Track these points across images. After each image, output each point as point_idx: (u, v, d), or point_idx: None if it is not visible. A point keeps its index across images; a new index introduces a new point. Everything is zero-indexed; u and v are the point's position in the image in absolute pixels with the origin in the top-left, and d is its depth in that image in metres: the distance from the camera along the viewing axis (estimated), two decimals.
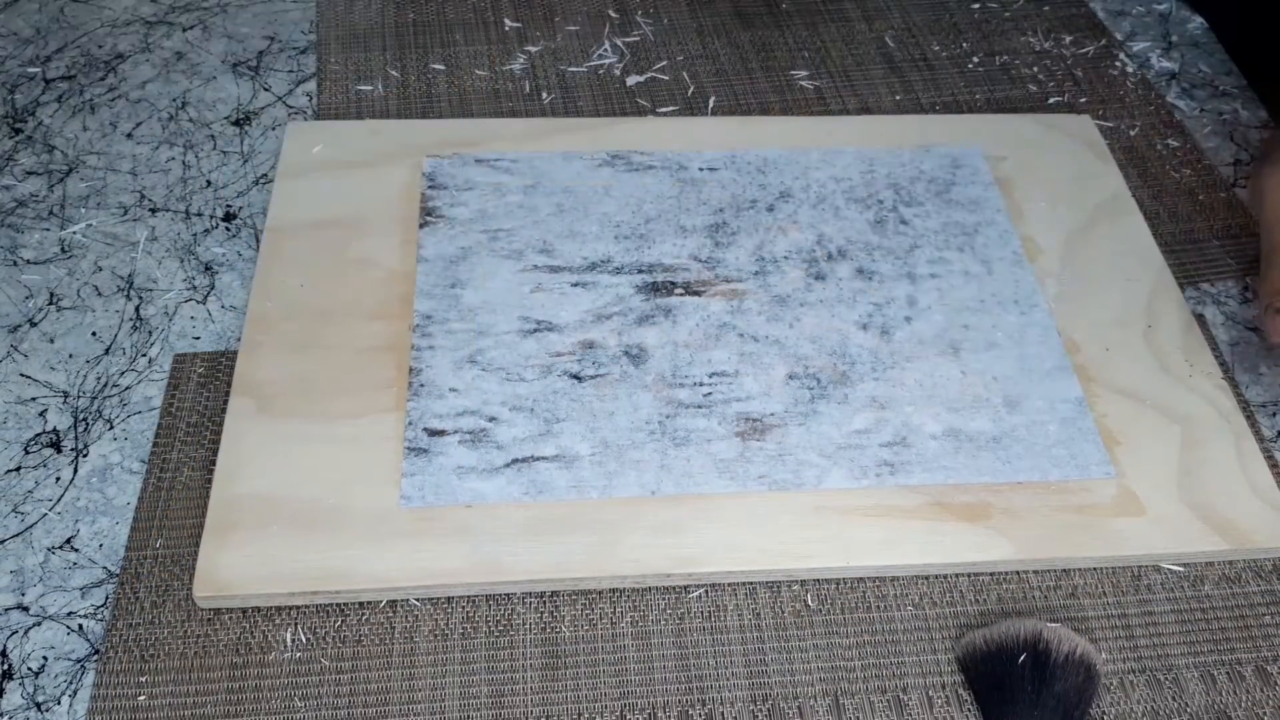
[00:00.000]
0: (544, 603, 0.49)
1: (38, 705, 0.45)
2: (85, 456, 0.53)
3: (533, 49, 0.75)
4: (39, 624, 0.47)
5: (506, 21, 0.77)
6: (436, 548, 0.48)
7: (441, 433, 0.52)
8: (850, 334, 0.57)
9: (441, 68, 0.73)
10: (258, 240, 0.62)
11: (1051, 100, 0.73)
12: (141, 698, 0.45)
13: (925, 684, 0.47)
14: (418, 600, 0.48)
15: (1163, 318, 0.59)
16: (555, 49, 0.75)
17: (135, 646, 0.46)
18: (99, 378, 0.56)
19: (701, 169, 0.65)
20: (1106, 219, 0.64)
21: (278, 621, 0.47)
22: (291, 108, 0.70)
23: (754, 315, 0.57)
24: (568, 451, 0.52)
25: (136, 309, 0.59)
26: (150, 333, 0.58)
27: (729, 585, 0.49)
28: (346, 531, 0.48)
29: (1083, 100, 0.73)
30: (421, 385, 0.54)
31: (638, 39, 0.76)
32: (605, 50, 0.75)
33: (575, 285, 0.58)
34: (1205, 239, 0.65)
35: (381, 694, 0.46)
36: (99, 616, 0.48)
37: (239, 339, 0.57)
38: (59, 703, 0.45)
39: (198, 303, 0.59)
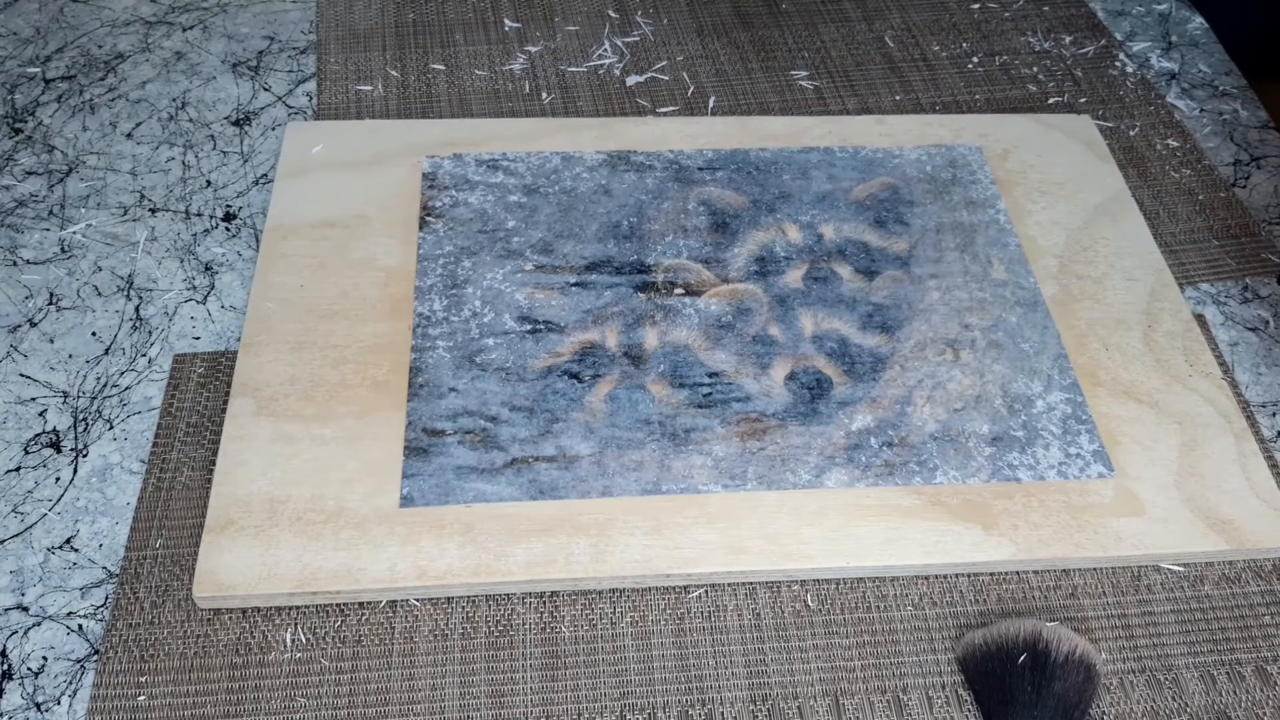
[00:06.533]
0: (544, 603, 0.49)
1: (38, 705, 0.45)
2: (85, 456, 0.53)
3: (533, 49, 0.75)
4: (39, 624, 0.47)
5: (506, 21, 0.77)
6: (436, 548, 0.48)
7: (441, 433, 0.52)
8: (850, 334, 0.57)
9: (441, 68, 0.73)
10: (258, 240, 0.62)
11: (1051, 100, 0.73)
12: (141, 698, 0.45)
13: (925, 684, 0.47)
14: (418, 600, 0.48)
15: (1163, 318, 0.59)
16: (555, 49, 0.75)
17: (135, 646, 0.46)
18: (99, 378, 0.56)
19: (701, 169, 0.65)
20: (1106, 219, 0.64)
21: (278, 621, 0.47)
22: (291, 108, 0.70)
23: (754, 315, 0.57)
24: (568, 451, 0.52)
25: (136, 309, 0.59)
26: (150, 333, 0.58)
27: (729, 585, 0.49)
28: (346, 531, 0.48)
29: (1083, 100, 0.73)
30: (421, 385, 0.54)
31: (638, 39, 0.76)
32: (605, 50, 0.75)
33: (575, 285, 0.58)
34: (1205, 239, 0.65)
35: (381, 694, 0.46)
36: (99, 616, 0.48)
37: (239, 339, 0.57)
38: (59, 703, 0.45)
39: (198, 303, 0.59)
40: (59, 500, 0.51)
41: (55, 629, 0.47)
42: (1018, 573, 0.50)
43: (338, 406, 0.53)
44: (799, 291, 0.59)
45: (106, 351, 0.57)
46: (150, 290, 0.60)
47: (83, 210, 0.63)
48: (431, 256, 0.59)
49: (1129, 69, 0.75)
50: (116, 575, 0.49)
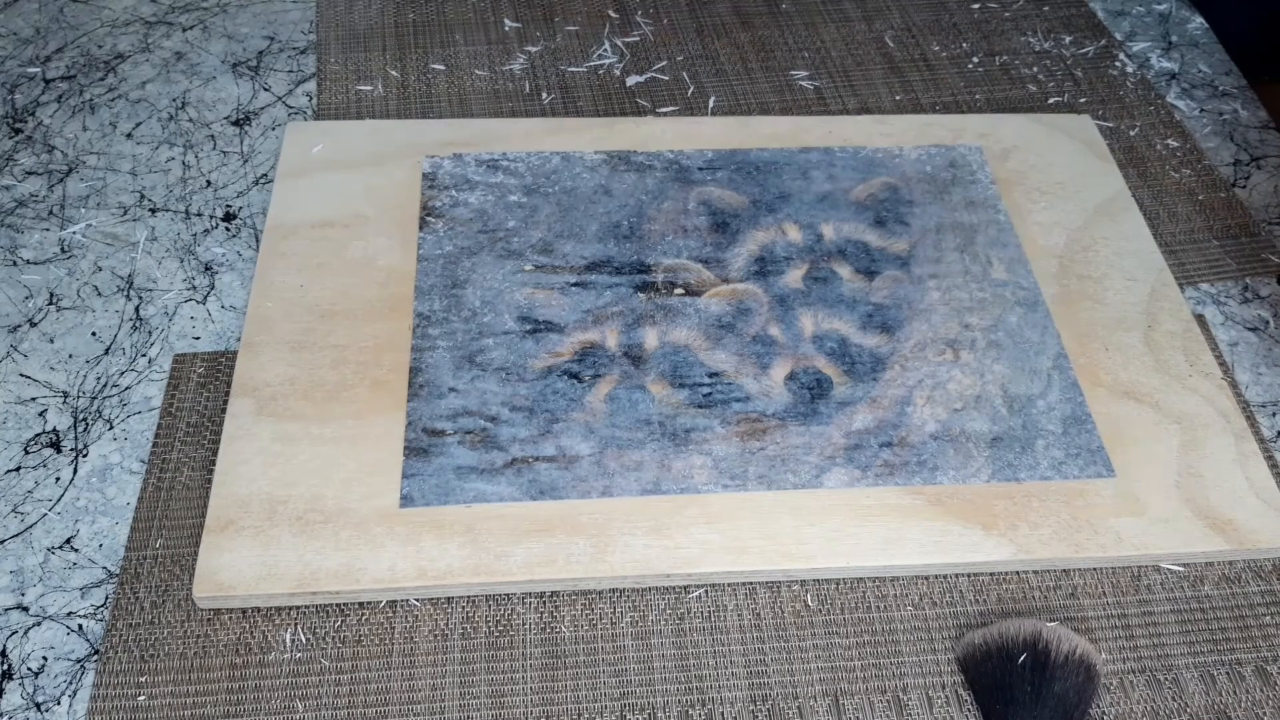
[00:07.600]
0: (544, 603, 0.49)
1: (38, 705, 0.45)
2: (85, 456, 0.53)
3: (533, 49, 0.75)
4: (39, 624, 0.47)
5: (506, 21, 0.77)
6: (436, 548, 0.48)
7: (441, 433, 0.52)
8: (850, 334, 0.57)
9: (441, 68, 0.73)
10: (258, 240, 0.62)
11: (1051, 100, 0.73)
12: (141, 698, 0.45)
13: (925, 684, 0.47)
14: (418, 600, 0.48)
15: (1163, 318, 0.59)
16: (555, 49, 0.75)
17: (135, 646, 0.46)
18: (99, 378, 0.56)
19: (701, 169, 0.65)
20: (1106, 219, 0.64)
21: (278, 621, 0.47)
22: (291, 108, 0.70)
23: (754, 315, 0.57)
24: (568, 451, 0.52)
25: (136, 309, 0.59)
26: (150, 333, 0.58)
27: (729, 585, 0.49)
28: (346, 531, 0.48)
29: (1083, 100, 0.73)
30: (421, 385, 0.54)
31: (638, 39, 0.76)
32: (605, 50, 0.75)
33: (575, 285, 0.58)
34: (1205, 239, 0.65)
35: (381, 694, 0.46)
36: (99, 616, 0.48)
37: (239, 339, 0.57)
38: (59, 703, 0.45)
39: (198, 303, 0.59)
40: (59, 500, 0.51)
41: (55, 629, 0.47)
42: (1018, 573, 0.50)
43: (338, 406, 0.53)
44: (799, 291, 0.59)
45: (106, 351, 0.57)
46: (150, 290, 0.60)
47: (83, 210, 0.63)
48: (431, 256, 0.59)
49: (1129, 69, 0.75)
50: (116, 575, 0.49)
